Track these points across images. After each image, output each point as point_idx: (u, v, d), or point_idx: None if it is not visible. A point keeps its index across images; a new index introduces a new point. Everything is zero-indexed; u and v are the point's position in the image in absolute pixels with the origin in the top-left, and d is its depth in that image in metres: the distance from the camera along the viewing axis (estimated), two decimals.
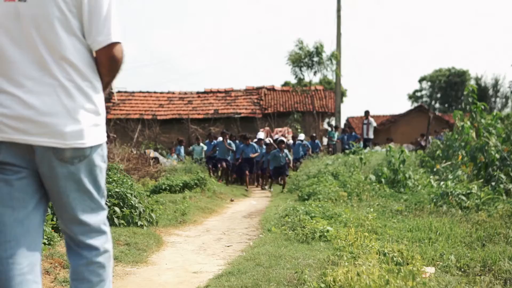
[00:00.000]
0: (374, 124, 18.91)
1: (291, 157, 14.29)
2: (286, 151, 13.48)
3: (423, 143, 18.45)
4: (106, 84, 2.09)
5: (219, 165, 13.86)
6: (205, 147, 15.42)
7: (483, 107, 8.40)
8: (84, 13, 1.94)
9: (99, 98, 2.02)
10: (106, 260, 2.11)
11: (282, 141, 13.72)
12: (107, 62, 2.00)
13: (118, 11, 2.07)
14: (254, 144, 14.43)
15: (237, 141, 14.93)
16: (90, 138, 1.96)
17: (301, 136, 17.13)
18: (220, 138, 14.39)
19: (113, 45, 1.97)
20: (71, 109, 1.91)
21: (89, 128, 1.96)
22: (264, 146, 14.40)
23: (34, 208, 1.97)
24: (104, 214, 2.12)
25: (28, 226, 1.94)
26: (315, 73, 21.51)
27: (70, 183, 1.97)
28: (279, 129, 19.06)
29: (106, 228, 2.13)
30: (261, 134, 15.80)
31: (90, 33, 1.95)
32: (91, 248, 2.06)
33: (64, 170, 1.94)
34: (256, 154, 14.15)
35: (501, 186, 7.08)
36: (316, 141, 17.99)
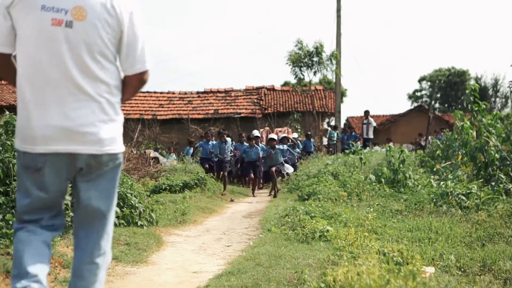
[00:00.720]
0: (374, 124, 18.92)
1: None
2: (261, 145, 12.93)
3: (423, 143, 18.47)
4: (125, 100, 2.41)
5: (216, 172, 12.67)
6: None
7: (484, 106, 8.40)
8: (123, 44, 2.28)
9: (121, 111, 2.36)
10: (102, 262, 2.33)
11: (284, 138, 13.35)
12: (137, 84, 2.38)
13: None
14: (261, 146, 12.93)
15: (233, 142, 14.23)
16: (119, 145, 2.32)
17: (294, 135, 16.43)
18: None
19: (145, 71, 2.35)
20: (104, 121, 2.23)
21: (118, 137, 2.32)
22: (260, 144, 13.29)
23: (61, 206, 2.38)
24: (113, 216, 2.40)
25: (55, 218, 2.35)
26: (315, 73, 21.51)
27: (102, 182, 2.30)
28: (279, 129, 19.05)
29: (111, 230, 2.41)
30: (256, 132, 14.32)
31: (127, 60, 2.30)
32: (98, 247, 2.32)
33: (99, 171, 2.28)
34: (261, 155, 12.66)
35: (501, 186, 7.08)
36: (311, 140, 17.47)
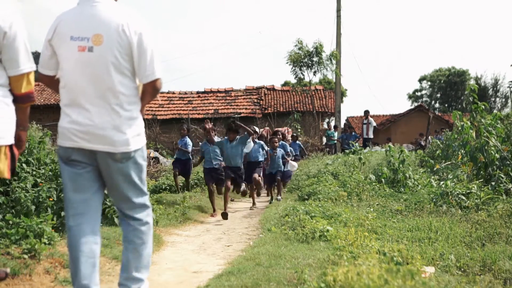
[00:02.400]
0: (374, 124, 18.93)
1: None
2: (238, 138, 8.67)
3: (423, 143, 18.47)
4: (144, 105, 2.92)
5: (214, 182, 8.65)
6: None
7: (483, 106, 8.39)
8: (135, 59, 2.76)
9: (139, 114, 2.87)
10: (146, 228, 2.94)
11: (275, 133, 11.26)
12: (152, 91, 2.86)
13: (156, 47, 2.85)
14: (261, 143, 9.71)
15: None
16: (133, 144, 2.79)
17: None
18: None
19: (157, 79, 2.82)
20: (119, 125, 2.75)
21: (132, 137, 2.79)
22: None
23: (95, 192, 2.85)
24: (146, 197, 2.96)
25: (90, 204, 2.82)
26: (315, 73, 21.53)
27: (120, 176, 2.83)
28: (279, 129, 19.01)
29: (148, 206, 2.97)
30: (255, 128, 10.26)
31: (140, 72, 2.79)
32: (136, 219, 2.91)
33: (116, 166, 2.80)
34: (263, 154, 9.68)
35: (501, 186, 7.08)
36: (298, 142, 15.07)
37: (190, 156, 10.29)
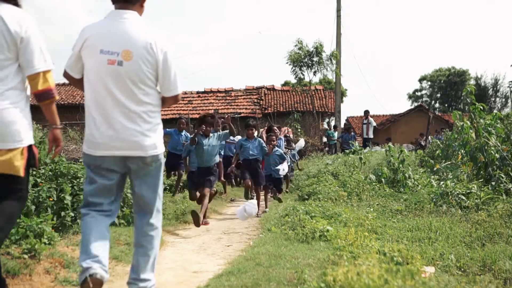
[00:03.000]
0: (374, 123, 18.94)
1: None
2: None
3: (423, 143, 18.48)
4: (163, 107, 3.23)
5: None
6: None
7: (481, 107, 8.40)
8: (160, 75, 3.04)
9: (161, 121, 3.17)
10: (156, 234, 3.16)
11: (270, 129, 9.78)
12: (172, 102, 3.21)
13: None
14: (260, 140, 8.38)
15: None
16: (159, 148, 3.08)
17: (238, 137, 11.41)
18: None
19: (179, 94, 3.17)
20: (146, 131, 3.00)
21: (158, 141, 3.08)
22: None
23: (116, 198, 3.12)
24: (161, 202, 3.19)
25: (110, 207, 3.06)
26: (315, 73, 21.52)
27: (149, 177, 3.08)
28: (275, 125, 18.95)
29: (160, 212, 3.19)
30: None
31: (163, 86, 3.09)
32: (150, 224, 3.11)
33: (146, 170, 3.05)
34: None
35: (501, 185, 7.08)
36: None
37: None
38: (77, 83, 3.14)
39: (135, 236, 3.16)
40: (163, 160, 3.15)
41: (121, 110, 2.95)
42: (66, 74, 3.13)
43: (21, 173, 2.83)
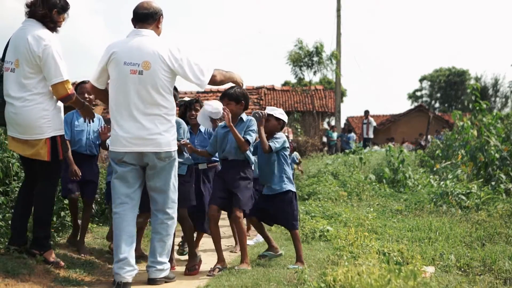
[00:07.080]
0: (374, 123, 18.95)
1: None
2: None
3: (423, 143, 18.48)
4: (220, 82, 3.83)
5: None
6: None
7: (485, 105, 8.41)
8: (183, 75, 3.56)
9: (174, 122, 3.62)
10: (172, 223, 3.66)
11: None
12: (214, 84, 3.76)
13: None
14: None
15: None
16: (173, 145, 3.57)
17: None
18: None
19: (212, 77, 3.66)
20: (162, 131, 3.49)
21: (172, 140, 3.56)
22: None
23: (137, 189, 3.58)
24: (176, 194, 3.67)
25: (133, 197, 3.55)
26: (315, 72, 21.47)
27: (163, 171, 3.56)
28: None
29: (176, 203, 3.67)
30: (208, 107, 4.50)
31: (192, 81, 3.62)
32: (166, 213, 3.62)
33: (161, 164, 3.53)
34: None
35: (501, 185, 7.09)
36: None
37: None
38: (100, 93, 3.67)
39: (152, 225, 3.67)
40: (176, 156, 3.60)
41: (142, 112, 3.45)
42: (90, 86, 3.68)
43: (46, 158, 3.57)
